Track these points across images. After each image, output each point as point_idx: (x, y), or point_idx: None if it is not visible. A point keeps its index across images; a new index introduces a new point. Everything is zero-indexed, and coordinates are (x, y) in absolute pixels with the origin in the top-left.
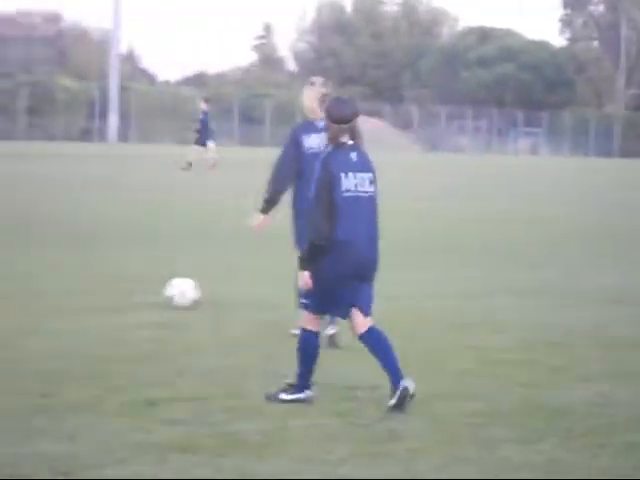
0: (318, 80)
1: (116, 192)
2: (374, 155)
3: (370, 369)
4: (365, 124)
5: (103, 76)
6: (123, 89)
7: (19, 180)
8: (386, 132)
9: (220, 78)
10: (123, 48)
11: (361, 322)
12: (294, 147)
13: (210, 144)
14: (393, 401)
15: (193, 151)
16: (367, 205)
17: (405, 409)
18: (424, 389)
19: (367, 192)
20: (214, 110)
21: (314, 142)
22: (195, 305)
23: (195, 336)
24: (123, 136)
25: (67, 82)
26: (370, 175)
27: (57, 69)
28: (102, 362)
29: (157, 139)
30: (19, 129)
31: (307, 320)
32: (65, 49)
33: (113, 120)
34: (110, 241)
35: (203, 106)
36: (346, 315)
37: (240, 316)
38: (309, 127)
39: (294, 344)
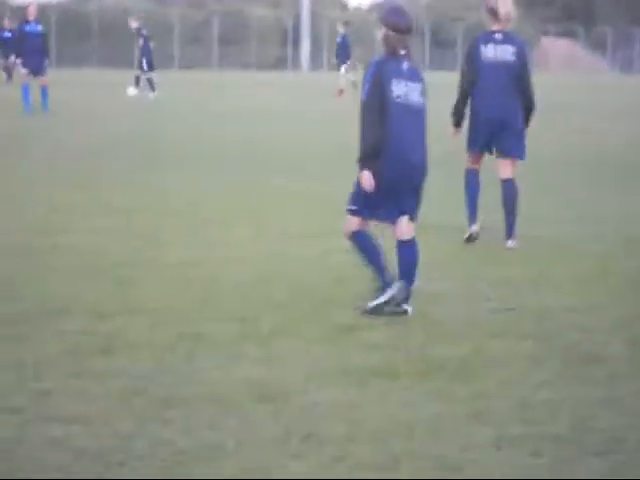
0: None
1: (313, 123)
2: (566, 77)
3: (565, 291)
4: (556, 45)
5: (295, 4)
6: (315, 16)
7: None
8: (578, 53)
9: (411, 2)
10: None
11: (406, 229)
12: (470, 58)
13: (341, 69)
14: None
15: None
16: (417, 114)
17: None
18: (625, 310)
19: (417, 102)
20: None
21: (490, 52)
22: None
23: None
24: (316, 64)
25: (259, 10)
26: (420, 85)
27: None
28: (302, 287)
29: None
30: (213, 58)
31: (353, 224)
32: None
33: (306, 48)
34: (315, 170)
35: (341, 29)
36: (394, 220)
37: (444, 239)
38: (488, 37)
39: (495, 269)
